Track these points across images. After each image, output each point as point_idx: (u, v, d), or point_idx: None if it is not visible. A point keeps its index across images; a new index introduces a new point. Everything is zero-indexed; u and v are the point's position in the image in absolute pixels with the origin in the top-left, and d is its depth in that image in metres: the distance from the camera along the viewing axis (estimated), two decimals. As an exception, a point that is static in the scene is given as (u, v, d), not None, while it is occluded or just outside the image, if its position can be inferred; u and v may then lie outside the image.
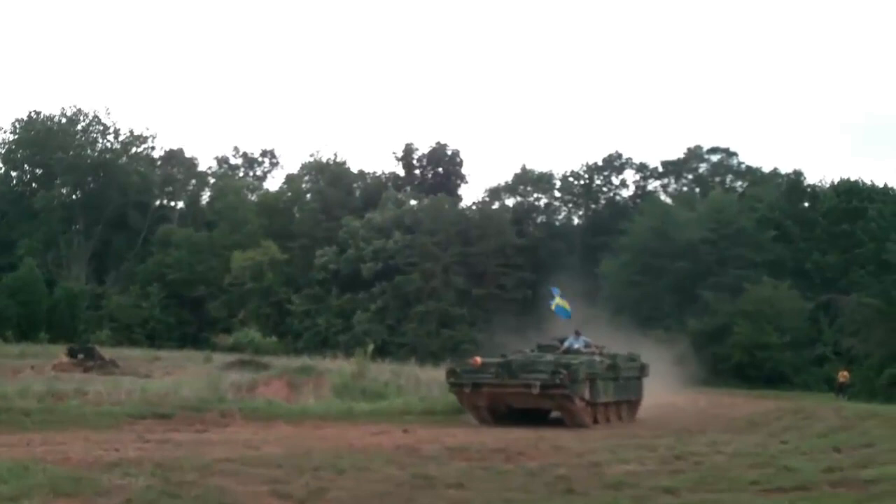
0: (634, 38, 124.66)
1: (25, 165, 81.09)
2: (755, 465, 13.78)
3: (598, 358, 23.29)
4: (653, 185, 78.00)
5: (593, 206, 77.78)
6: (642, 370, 26.08)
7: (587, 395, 21.88)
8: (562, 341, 24.87)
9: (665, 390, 31.21)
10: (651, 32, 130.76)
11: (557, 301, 28.36)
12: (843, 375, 42.44)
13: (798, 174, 66.03)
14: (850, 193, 61.86)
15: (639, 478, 12.41)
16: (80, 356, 35.27)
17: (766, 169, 73.51)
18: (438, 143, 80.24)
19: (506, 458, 14.21)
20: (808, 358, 54.28)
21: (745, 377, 51.84)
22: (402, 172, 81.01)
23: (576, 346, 24.24)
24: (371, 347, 33.79)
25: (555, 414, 22.99)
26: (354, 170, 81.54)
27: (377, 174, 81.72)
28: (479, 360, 22.56)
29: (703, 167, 77.31)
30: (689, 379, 39.38)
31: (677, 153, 78.17)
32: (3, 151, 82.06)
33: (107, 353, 39.19)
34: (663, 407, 28.99)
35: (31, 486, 9.30)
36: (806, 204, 64.28)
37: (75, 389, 20.64)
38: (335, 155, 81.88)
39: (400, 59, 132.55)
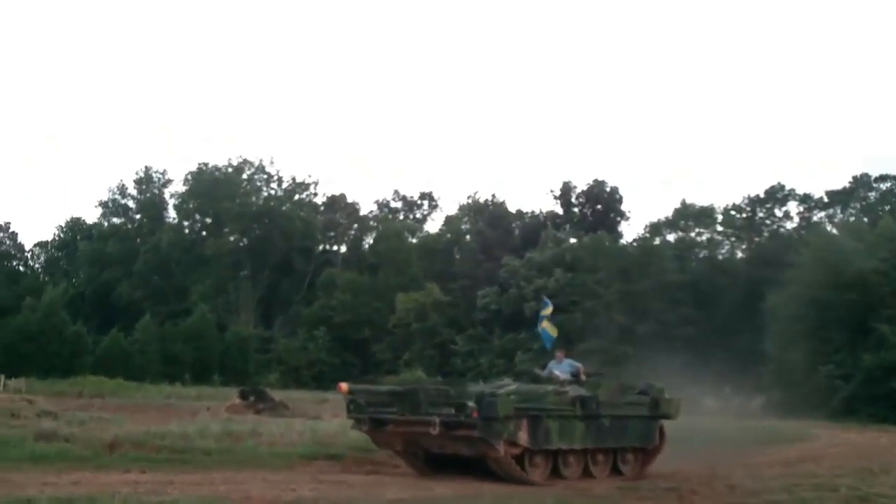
0: (796, 69, 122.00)
1: (196, 215, 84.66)
2: (950, 510, 13.04)
3: (568, 388, 17.16)
4: (818, 216, 75.78)
5: (756, 239, 75.92)
6: (657, 408, 18.43)
7: (523, 438, 15.81)
8: (544, 367, 19.39)
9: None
10: (813, 63, 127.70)
11: (545, 322, 21.50)
12: None
13: (979, 199, 62.99)
14: None
15: (821, 519, 12.01)
16: (252, 398, 36.24)
17: (941, 195, 70.41)
18: (596, 181, 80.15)
19: (678, 498, 13.89)
20: None
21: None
22: (560, 211, 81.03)
23: (556, 371, 18.54)
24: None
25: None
26: (512, 209, 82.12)
27: (535, 213, 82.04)
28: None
29: (871, 196, 74.63)
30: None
31: (842, 182, 75.72)
32: (176, 203, 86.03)
33: (276, 395, 40.15)
34: (839, 445, 27.97)
35: (219, 524, 9.65)
36: None
37: (250, 430, 21.23)
38: (493, 195, 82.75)
39: (557, 99, 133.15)
